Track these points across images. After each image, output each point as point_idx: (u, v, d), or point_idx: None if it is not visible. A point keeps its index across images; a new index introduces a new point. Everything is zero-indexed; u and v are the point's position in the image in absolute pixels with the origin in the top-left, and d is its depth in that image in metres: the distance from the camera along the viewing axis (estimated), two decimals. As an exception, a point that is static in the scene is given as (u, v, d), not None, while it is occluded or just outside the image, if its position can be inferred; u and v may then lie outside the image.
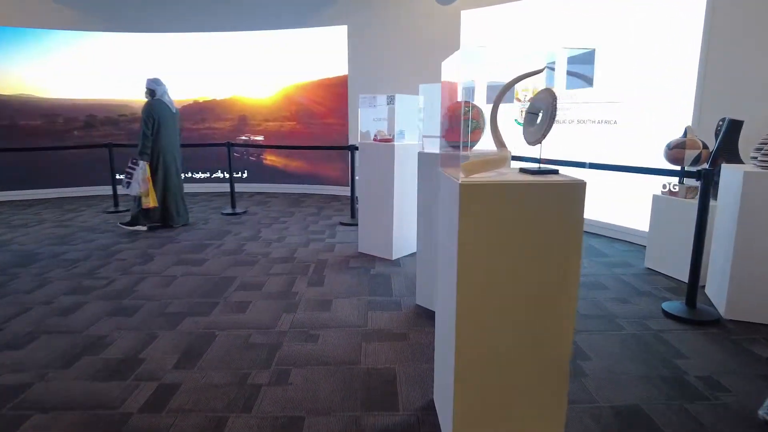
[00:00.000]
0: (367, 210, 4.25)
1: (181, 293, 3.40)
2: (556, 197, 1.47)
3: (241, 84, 7.87)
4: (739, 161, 3.54)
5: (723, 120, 3.64)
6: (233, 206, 6.31)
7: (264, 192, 8.06)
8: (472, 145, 3.03)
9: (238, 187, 7.65)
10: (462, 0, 6.23)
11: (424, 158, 3.02)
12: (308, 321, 2.94)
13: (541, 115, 1.62)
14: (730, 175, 2.94)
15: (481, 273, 1.50)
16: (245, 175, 8.08)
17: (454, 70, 1.75)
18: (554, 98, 1.57)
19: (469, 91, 3.28)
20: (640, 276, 3.79)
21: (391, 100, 3.86)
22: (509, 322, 1.54)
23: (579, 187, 1.48)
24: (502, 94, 1.68)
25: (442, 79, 2.25)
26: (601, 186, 4.79)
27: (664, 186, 3.82)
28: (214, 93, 7.97)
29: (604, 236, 5.00)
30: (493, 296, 1.52)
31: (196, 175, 8.09)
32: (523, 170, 1.73)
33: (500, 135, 1.70)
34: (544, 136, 1.59)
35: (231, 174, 6.26)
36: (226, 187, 7.56)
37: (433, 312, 3.04)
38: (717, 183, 3.23)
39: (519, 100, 5.27)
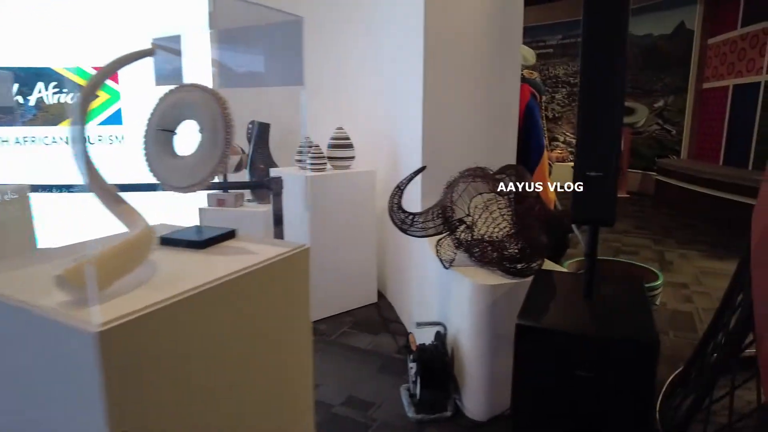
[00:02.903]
0: None
1: None
2: (278, 275, 0.95)
3: None
4: (274, 164, 3.61)
5: (252, 123, 3.60)
6: None
7: None
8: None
9: None
10: None
11: None
12: None
13: (200, 134, 0.85)
14: (292, 180, 2.93)
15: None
16: None
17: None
18: (223, 103, 0.84)
19: None
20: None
21: None
22: None
23: (304, 253, 0.95)
24: (92, 91, 0.77)
25: None
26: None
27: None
28: None
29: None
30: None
31: None
32: (170, 241, 0.92)
33: (104, 180, 0.80)
34: (213, 174, 0.84)
35: None
36: None
37: None
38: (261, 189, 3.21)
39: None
